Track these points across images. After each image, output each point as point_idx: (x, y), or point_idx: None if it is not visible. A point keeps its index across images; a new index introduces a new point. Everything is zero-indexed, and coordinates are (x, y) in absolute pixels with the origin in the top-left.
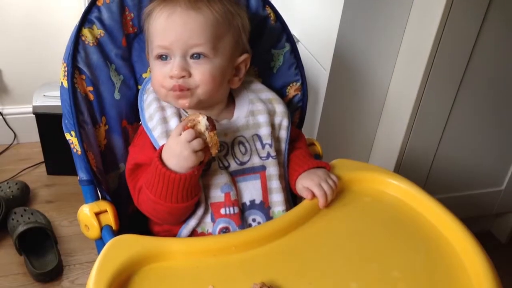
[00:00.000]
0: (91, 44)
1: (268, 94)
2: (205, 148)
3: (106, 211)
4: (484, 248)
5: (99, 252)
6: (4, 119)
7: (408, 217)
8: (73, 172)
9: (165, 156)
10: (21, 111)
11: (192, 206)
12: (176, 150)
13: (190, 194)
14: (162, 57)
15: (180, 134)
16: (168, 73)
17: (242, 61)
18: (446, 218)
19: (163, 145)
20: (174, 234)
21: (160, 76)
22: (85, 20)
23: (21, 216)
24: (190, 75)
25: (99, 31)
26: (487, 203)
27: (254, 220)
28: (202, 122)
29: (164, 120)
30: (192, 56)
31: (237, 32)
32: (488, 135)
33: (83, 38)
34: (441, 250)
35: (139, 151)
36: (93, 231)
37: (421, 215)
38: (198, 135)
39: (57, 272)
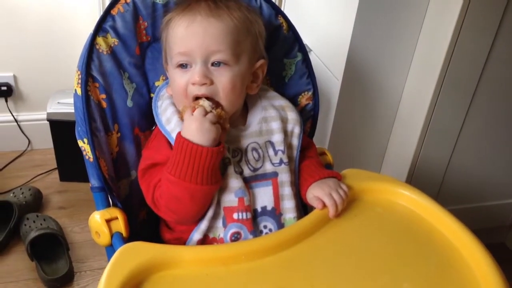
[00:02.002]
0: (105, 53)
1: (281, 101)
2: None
3: (117, 218)
4: (497, 260)
5: (109, 259)
6: (18, 125)
7: (419, 228)
8: (86, 179)
9: (187, 135)
10: (35, 118)
11: (213, 194)
12: (197, 126)
13: (214, 177)
14: (183, 66)
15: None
16: (190, 80)
17: (259, 67)
18: (458, 229)
19: (179, 132)
20: (184, 242)
21: (182, 84)
22: (99, 28)
23: (34, 222)
24: (212, 82)
25: (113, 40)
26: (501, 214)
27: (265, 227)
28: (205, 104)
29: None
30: (213, 64)
31: (255, 39)
32: (502, 146)
33: (97, 47)
34: (453, 261)
35: (155, 152)
36: (104, 238)
37: (433, 226)
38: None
39: (68, 278)
